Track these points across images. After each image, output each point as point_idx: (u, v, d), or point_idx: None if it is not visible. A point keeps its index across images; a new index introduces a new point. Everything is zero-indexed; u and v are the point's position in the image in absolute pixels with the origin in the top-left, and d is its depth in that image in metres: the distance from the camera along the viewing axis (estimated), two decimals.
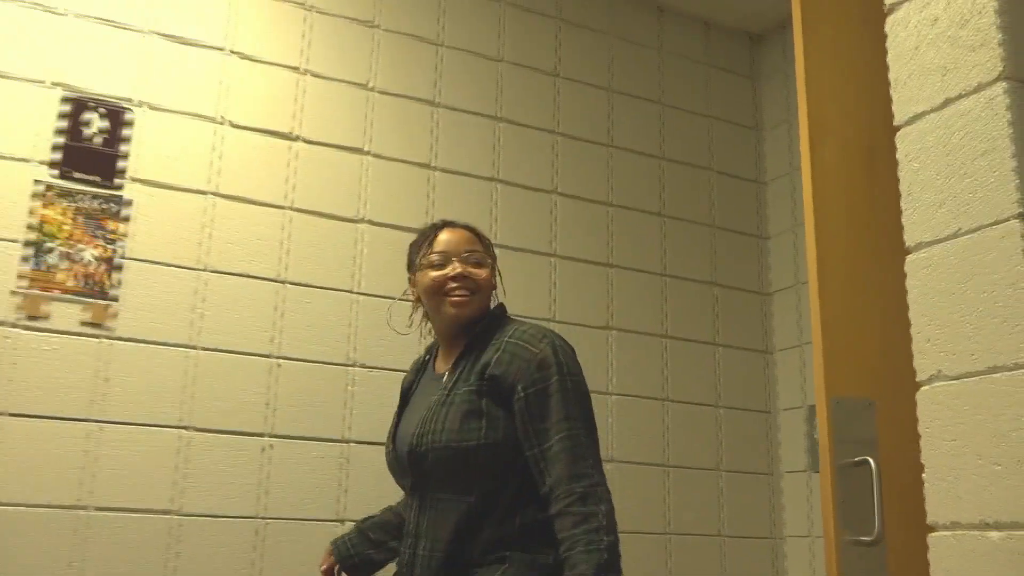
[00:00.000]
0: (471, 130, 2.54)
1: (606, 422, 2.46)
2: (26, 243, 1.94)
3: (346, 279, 2.29)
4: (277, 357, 2.15)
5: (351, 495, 2.17)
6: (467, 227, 1.72)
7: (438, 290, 1.62)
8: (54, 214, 1.96)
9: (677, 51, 2.96)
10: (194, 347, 2.06)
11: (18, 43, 2.02)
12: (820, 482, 1.45)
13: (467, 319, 1.64)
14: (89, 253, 1.99)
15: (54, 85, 2.05)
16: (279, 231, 2.23)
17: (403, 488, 1.67)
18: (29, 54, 2.03)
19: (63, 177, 1.98)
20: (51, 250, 1.95)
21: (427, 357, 1.77)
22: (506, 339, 1.59)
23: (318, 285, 2.25)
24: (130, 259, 2.03)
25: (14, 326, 1.90)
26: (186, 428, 2.00)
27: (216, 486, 2.02)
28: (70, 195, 1.99)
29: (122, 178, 2.07)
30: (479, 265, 1.66)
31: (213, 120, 2.19)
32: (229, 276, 2.13)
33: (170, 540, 1.95)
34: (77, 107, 2.04)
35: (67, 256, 1.97)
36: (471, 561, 1.51)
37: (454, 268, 1.62)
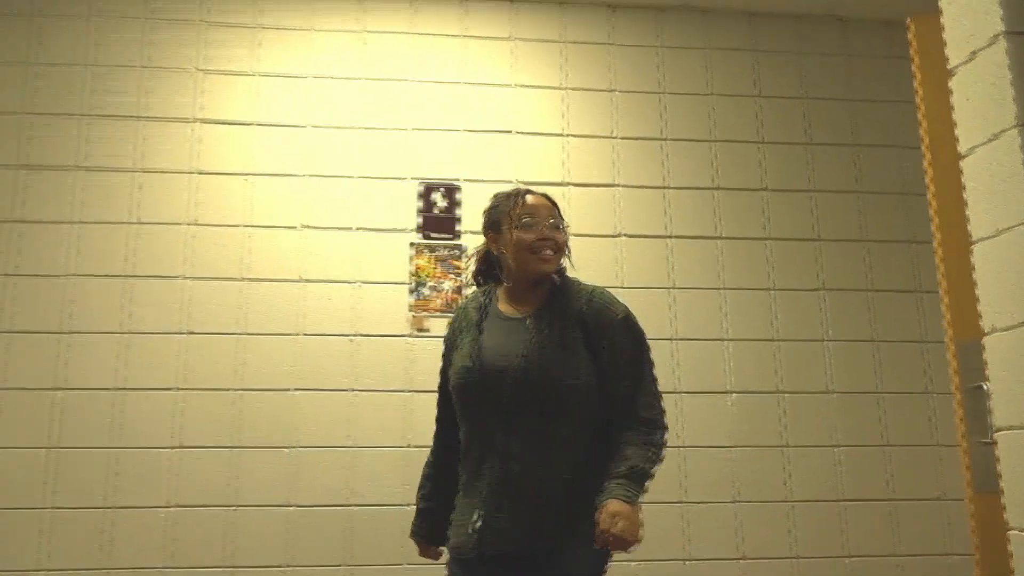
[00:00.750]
0: (693, 153, 3.22)
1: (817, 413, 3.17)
2: (410, 283, 3.03)
3: (612, 280, 3.17)
4: None
5: None
6: (546, 196, 1.91)
7: (529, 247, 1.80)
8: (423, 262, 3.00)
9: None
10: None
11: (391, 155, 3.12)
12: (954, 402, 2.03)
13: (549, 275, 1.84)
14: (446, 284, 3.03)
15: (412, 179, 3.12)
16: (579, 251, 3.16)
17: (470, 409, 1.77)
18: (397, 161, 3.12)
19: (425, 238, 3.01)
20: (424, 285, 3.02)
21: (483, 301, 1.89)
22: (589, 295, 1.82)
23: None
24: (468, 285, 3.08)
25: (411, 336, 3.02)
26: None
27: None
28: (430, 248, 3.01)
29: (459, 232, 3.10)
30: (558, 229, 1.85)
31: (510, 182, 3.15)
32: None
33: None
34: (427, 190, 3.06)
35: (434, 288, 3.01)
36: (566, 482, 1.71)
37: (543, 231, 1.82)
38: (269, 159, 2.98)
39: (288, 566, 2.70)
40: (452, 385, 1.81)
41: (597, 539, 1.61)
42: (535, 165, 3.12)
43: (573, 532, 1.69)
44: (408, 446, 2.84)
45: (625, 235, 3.10)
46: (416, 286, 2.95)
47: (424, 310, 2.93)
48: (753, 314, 3.07)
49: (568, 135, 3.16)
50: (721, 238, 3.12)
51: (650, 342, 1.80)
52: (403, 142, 3.06)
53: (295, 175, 2.99)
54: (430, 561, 2.05)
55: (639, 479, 1.66)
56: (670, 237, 3.08)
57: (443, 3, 3.17)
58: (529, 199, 1.86)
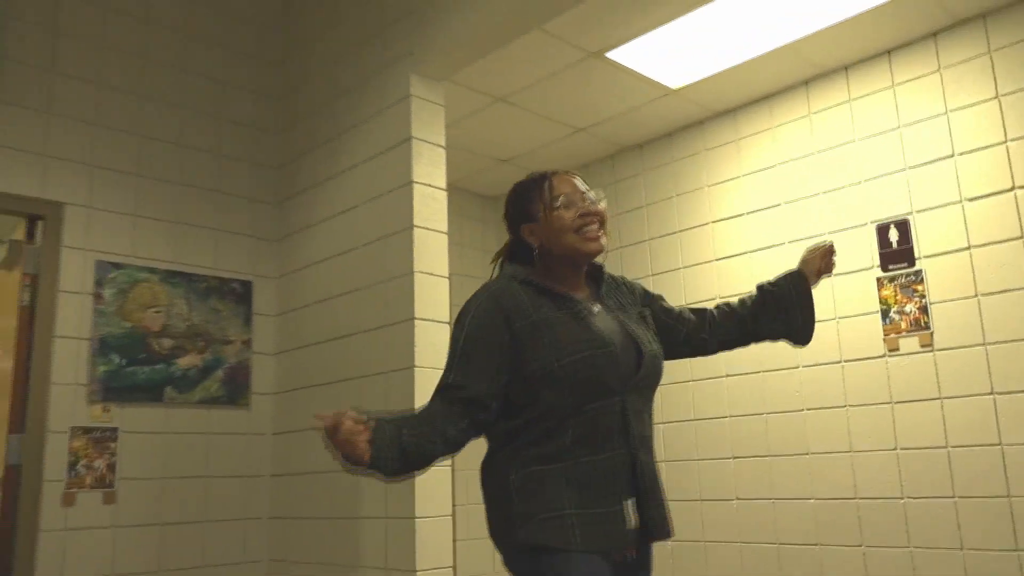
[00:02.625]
0: None
1: None
2: (877, 312, 3.54)
3: None
4: None
5: None
6: (572, 172, 1.82)
7: (573, 227, 1.71)
8: (886, 292, 3.49)
9: None
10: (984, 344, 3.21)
11: (849, 207, 3.71)
12: None
13: (601, 252, 1.76)
14: (909, 307, 3.42)
15: (870, 222, 3.64)
16: None
17: (599, 391, 1.63)
18: (854, 211, 3.70)
19: (885, 270, 3.52)
20: (890, 312, 3.48)
21: (533, 283, 1.73)
22: (621, 279, 1.90)
23: None
24: (932, 302, 3.36)
25: (887, 356, 3.49)
26: None
27: None
28: (891, 279, 3.49)
29: (917, 259, 3.45)
30: (602, 208, 1.77)
31: (958, 202, 3.33)
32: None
33: None
34: (882, 229, 3.55)
35: (901, 312, 3.45)
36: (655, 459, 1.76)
37: (585, 207, 1.73)
38: (763, 237, 3.94)
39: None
40: (572, 368, 1.61)
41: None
42: (980, 179, 3.29)
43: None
44: (896, 448, 3.36)
45: None
46: (884, 313, 3.47)
47: (895, 332, 3.43)
48: None
49: (1009, 140, 3.23)
50: None
51: None
52: (857, 194, 3.64)
53: (782, 244, 3.87)
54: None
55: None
56: None
57: (872, 63, 3.65)
58: (556, 180, 1.77)
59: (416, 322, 3.21)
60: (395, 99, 3.47)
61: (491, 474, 1.72)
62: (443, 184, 3.43)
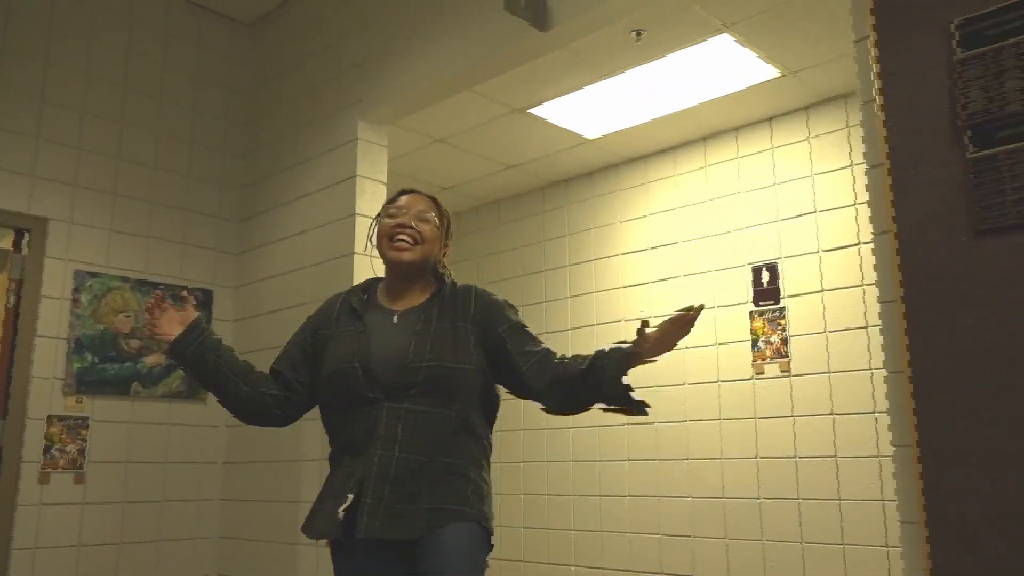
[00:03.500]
0: None
1: None
2: (748, 341, 4.16)
3: None
4: None
5: None
6: (426, 195, 2.01)
7: (387, 234, 1.93)
8: (756, 324, 4.12)
9: None
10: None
11: (730, 250, 4.34)
12: None
13: (403, 264, 1.90)
14: (774, 337, 4.05)
15: (747, 264, 4.27)
16: None
17: (356, 399, 1.82)
18: (733, 253, 4.31)
19: (756, 305, 4.14)
20: (759, 341, 4.11)
21: (364, 296, 1.98)
22: (472, 291, 1.96)
23: None
24: (791, 335, 3.99)
25: (754, 379, 4.12)
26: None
27: None
28: (761, 314, 4.09)
29: (782, 298, 4.08)
30: (424, 222, 1.93)
31: (815, 252, 3.97)
32: None
33: None
34: (756, 270, 4.16)
35: (767, 342, 4.08)
36: (449, 465, 1.82)
37: (402, 220, 1.92)
38: (663, 269, 4.54)
39: None
40: (329, 377, 1.87)
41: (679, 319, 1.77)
42: (835, 234, 3.93)
43: (450, 513, 1.79)
44: (756, 456, 3.99)
45: None
46: (754, 342, 4.10)
47: (762, 359, 4.06)
48: None
49: (858, 203, 3.87)
50: None
51: None
52: (739, 238, 4.26)
53: (677, 277, 4.48)
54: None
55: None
56: None
57: (756, 127, 4.26)
58: (401, 198, 1.98)
59: None
60: (344, 139, 4.00)
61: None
62: None
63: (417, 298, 1.97)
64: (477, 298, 1.97)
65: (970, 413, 1.92)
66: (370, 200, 3.93)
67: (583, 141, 4.44)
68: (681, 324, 1.80)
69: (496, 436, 4.86)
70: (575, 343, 4.80)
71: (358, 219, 3.87)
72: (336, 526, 1.78)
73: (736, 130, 4.33)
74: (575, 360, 1.91)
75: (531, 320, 4.96)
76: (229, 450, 4.35)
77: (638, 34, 3.32)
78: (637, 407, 1.83)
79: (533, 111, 4.07)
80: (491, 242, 5.40)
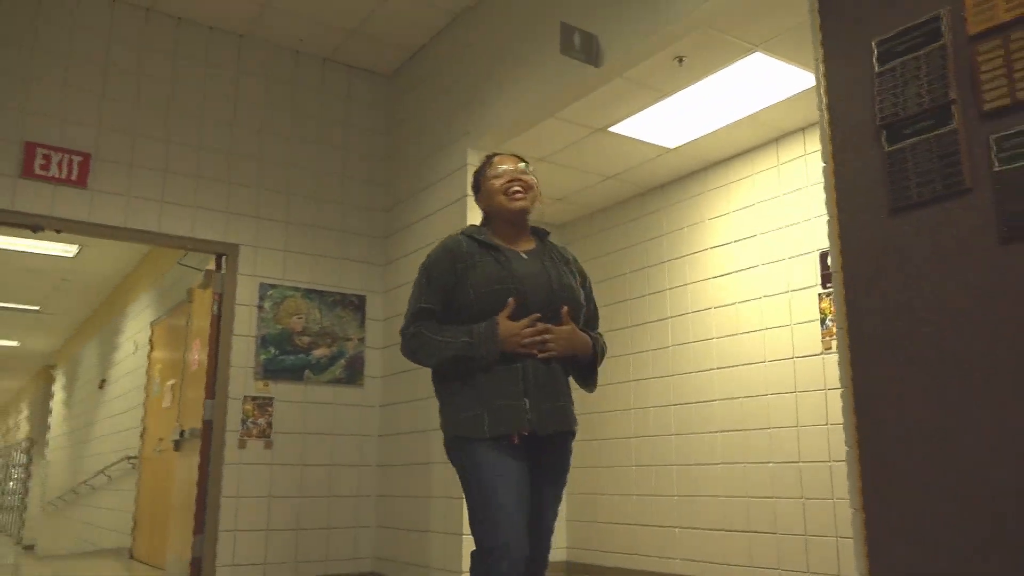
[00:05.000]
0: None
1: None
2: (818, 320, 4.54)
3: None
4: None
5: None
6: (514, 155, 2.40)
7: (501, 190, 2.28)
8: (824, 304, 4.51)
9: None
10: None
11: (798, 238, 4.75)
12: None
13: (523, 211, 2.28)
14: None
15: (813, 251, 4.66)
16: None
17: (511, 317, 2.15)
18: (804, 240, 4.72)
19: (823, 287, 4.53)
20: (826, 319, 4.49)
21: (479, 237, 2.27)
22: (563, 247, 2.42)
23: None
24: None
25: (821, 355, 4.50)
26: None
27: None
28: (827, 295, 4.49)
29: None
30: (525, 173, 2.32)
31: None
32: None
33: None
34: (822, 256, 4.56)
35: (833, 320, 4.46)
36: (568, 380, 2.30)
37: (511, 174, 2.28)
38: (745, 260, 5.03)
39: None
40: (485, 295, 2.16)
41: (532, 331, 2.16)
42: None
43: (572, 422, 2.28)
44: (827, 424, 4.40)
45: None
46: (822, 321, 4.51)
47: (829, 336, 4.47)
48: None
49: None
50: None
51: None
52: (808, 228, 4.69)
53: (756, 266, 4.95)
54: None
55: (601, 351, 2.37)
56: None
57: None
58: (496, 159, 2.35)
59: None
60: (457, 166, 4.86)
61: (439, 380, 2.30)
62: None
63: (528, 243, 2.33)
64: (570, 253, 2.44)
65: (894, 359, 2.39)
66: (479, 216, 4.75)
67: (666, 151, 5.03)
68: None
69: (611, 415, 5.58)
70: (675, 330, 5.38)
71: None
72: (525, 422, 2.11)
73: (803, 130, 4.76)
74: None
75: (635, 312, 5.61)
76: (383, 425, 5.32)
77: (680, 60, 3.91)
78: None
79: (612, 129, 4.72)
80: (602, 244, 6.07)
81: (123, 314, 9.24)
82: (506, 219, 2.30)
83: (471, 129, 4.81)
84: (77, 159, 4.60)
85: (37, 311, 10.99)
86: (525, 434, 2.12)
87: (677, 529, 5.16)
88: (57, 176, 4.52)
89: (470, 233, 2.30)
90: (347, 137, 5.61)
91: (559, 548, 6.06)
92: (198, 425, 4.92)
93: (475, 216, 4.75)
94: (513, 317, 2.14)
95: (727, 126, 4.69)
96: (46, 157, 4.50)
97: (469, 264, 2.20)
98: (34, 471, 14.40)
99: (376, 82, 5.80)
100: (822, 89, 2.74)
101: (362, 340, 5.39)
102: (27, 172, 4.45)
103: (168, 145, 4.93)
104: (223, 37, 5.24)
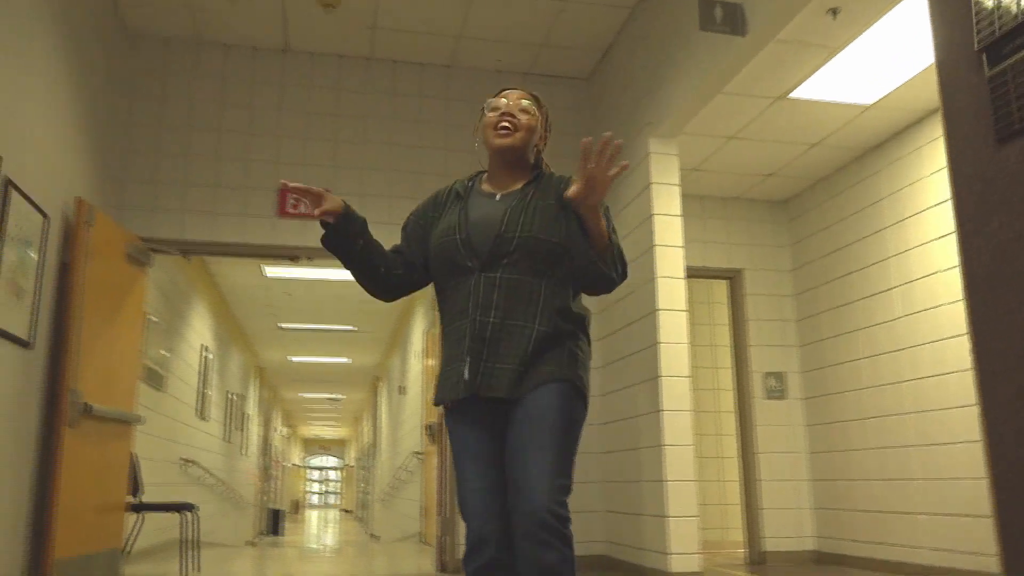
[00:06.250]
0: None
1: None
2: None
3: None
4: None
5: None
6: (528, 92, 2.11)
7: (491, 124, 2.04)
8: None
9: None
10: None
11: None
12: None
13: (506, 149, 2.01)
14: None
15: None
16: None
17: (456, 268, 1.94)
18: None
19: None
20: None
21: (469, 184, 2.09)
22: (562, 177, 2.03)
23: None
24: None
25: None
26: None
27: None
28: None
29: None
30: (525, 112, 2.04)
31: None
32: None
33: None
34: None
35: None
36: (543, 332, 1.88)
37: (505, 109, 2.04)
38: None
39: None
40: (436, 246, 1.99)
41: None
42: None
43: (545, 374, 1.88)
44: None
45: None
46: None
47: None
48: None
49: None
50: None
51: None
52: None
53: None
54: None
55: (614, 231, 1.95)
56: None
57: None
58: (503, 93, 2.12)
59: (659, 312, 4.67)
60: (640, 157, 4.97)
61: None
62: (678, 212, 4.83)
63: (518, 184, 2.07)
64: (566, 181, 2.02)
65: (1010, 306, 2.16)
66: (666, 200, 4.83)
67: (864, 107, 4.69)
68: (587, 161, 1.80)
69: (846, 396, 5.43)
70: (909, 297, 4.95)
71: (656, 219, 4.79)
72: (461, 388, 1.89)
73: None
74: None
75: (868, 282, 5.26)
76: (601, 414, 5.55)
77: (834, 13, 3.69)
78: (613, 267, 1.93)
79: (793, 96, 4.53)
80: (828, 215, 5.74)
81: (409, 326, 10.46)
82: (494, 158, 2.09)
83: (652, 119, 4.89)
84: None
85: (353, 330, 12.77)
86: (461, 398, 1.90)
87: (922, 516, 4.74)
88: (305, 212, 5.40)
89: (470, 178, 2.17)
90: (552, 142, 5.92)
91: (807, 537, 5.82)
92: None
93: (661, 203, 4.85)
94: (458, 262, 1.95)
95: (921, 73, 4.27)
96: (296, 198, 5.39)
97: (438, 216, 2.09)
98: (373, 471, 16.68)
99: (575, 86, 6.07)
100: (931, 14, 2.52)
101: None
102: (281, 211, 5.39)
103: (391, 173, 5.64)
104: (433, 71, 5.87)
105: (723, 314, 6.62)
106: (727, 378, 6.92)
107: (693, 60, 4.32)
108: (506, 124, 2.04)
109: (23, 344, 3.82)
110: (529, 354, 1.88)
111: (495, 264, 1.93)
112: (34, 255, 3.91)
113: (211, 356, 9.75)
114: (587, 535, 5.38)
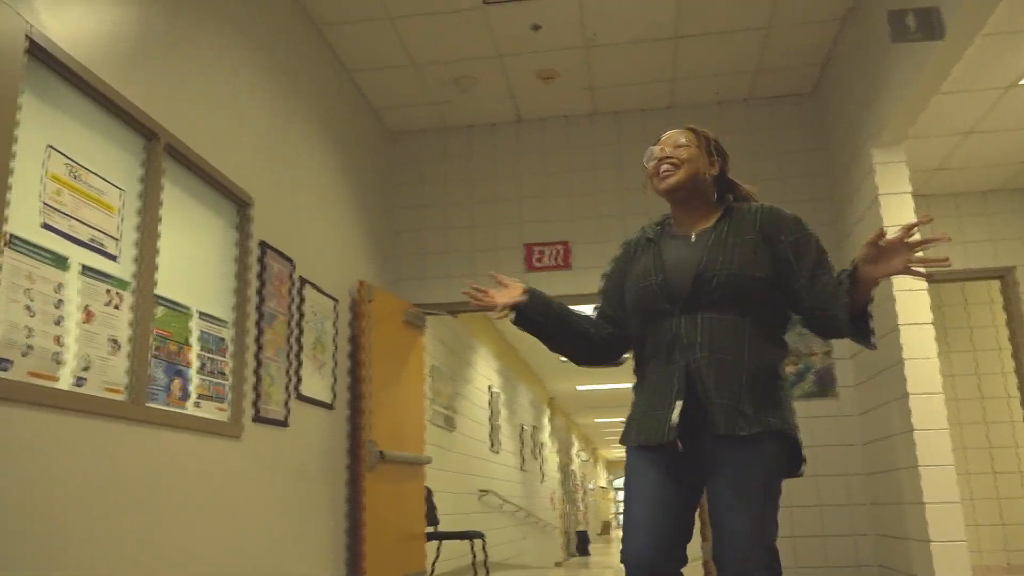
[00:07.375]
0: None
1: None
2: None
3: None
4: None
5: None
6: (684, 129, 2.12)
7: (653, 174, 2.08)
8: None
9: None
10: None
11: None
12: None
13: (672, 189, 2.03)
14: None
15: None
16: None
17: (654, 313, 1.93)
18: None
19: None
20: None
21: (659, 229, 2.11)
22: (760, 207, 2.01)
23: None
24: None
25: None
26: None
27: None
28: None
29: None
30: (679, 147, 2.05)
31: None
32: None
33: None
34: None
35: None
36: (751, 369, 1.85)
37: (659, 154, 2.06)
38: None
39: None
40: (632, 290, 2.03)
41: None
42: None
43: (757, 423, 1.84)
44: None
45: None
46: None
47: None
48: None
49: None
50: None
51: None
52: None
53: None
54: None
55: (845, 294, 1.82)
56: None
57: None
58: (659, 139, 2.16)
59: (900, 328, 4.52)
60: (866, 169, 4.85)
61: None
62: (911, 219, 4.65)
63: (709, 221, 2.06)
64: (765, 211, 2.01)
65: None
66: (896, 210, 4.67)
67: None
68: (879, 244, 1.73)
69: None
70: None
71: (888, 231, 4.64)
72: (665, 432, 1.88)
73: None
74: (837, 281, 1.86)
75: None
76: (863, 432, 5.39)
77: None
78: (866, 339, 1.84)
79: None
80: None
81: None
82: (669, 201, 2.12)
83: (872, 129, 4.77)
84: (561, 248, 5.97)
85: (628, 358, 13.19)
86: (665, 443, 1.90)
87: None
88: (550, 264, 5.94)
89: (654, 223, 2.19)
90: (779, 163, 5.92)
91: None
92: None
93: (890, 214, 4.69)
94: (657, 306, 1.97)
95: None
96: (540, 252, 5.97)
97: (633, 260, 2.13)
98: None
99: (800, 103, 6.00)
100: None
101: (828, 353, 5.58)
102: (529, 266, 5.98)
103: (623, 218, 6.00)
104: (654, 114, 6.16)
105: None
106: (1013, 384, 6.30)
107: (897, 68, 4.20)
108: (665, 167, 2.07)
109: (327, 407, 4.72)
110: (742, 390, 1.87)
111: (695, 305, 1.92)
112: (328, 333, 4.82)
113: (498, 392, 10.69)
114: (858, 559, 5.25)
